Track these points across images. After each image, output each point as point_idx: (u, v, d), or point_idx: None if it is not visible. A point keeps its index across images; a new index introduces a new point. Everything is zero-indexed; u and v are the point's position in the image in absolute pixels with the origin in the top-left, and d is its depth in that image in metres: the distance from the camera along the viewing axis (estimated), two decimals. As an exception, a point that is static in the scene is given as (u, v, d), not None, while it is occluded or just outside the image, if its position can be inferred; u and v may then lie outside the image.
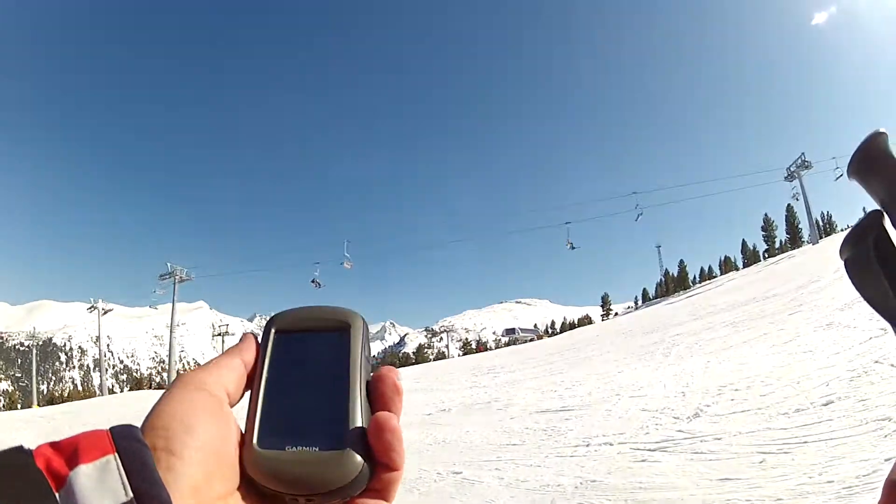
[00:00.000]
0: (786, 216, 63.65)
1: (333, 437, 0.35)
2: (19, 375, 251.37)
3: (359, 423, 0.36)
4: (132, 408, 17.35)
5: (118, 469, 0.29)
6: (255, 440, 0.35)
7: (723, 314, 15.26)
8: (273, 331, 0.40)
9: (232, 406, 0.36)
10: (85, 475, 0.29)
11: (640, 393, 7.52)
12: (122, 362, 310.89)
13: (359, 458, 0.35)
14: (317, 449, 0.35)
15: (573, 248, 40.48)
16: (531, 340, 39.59)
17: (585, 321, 65.25)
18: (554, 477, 4.48)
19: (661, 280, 75.13)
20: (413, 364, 38.35)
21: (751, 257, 71.41)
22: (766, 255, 63.27)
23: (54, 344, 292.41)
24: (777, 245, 66.61)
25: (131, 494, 0.29)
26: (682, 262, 76.22)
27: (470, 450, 6.02)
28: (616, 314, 59.92)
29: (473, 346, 72.42)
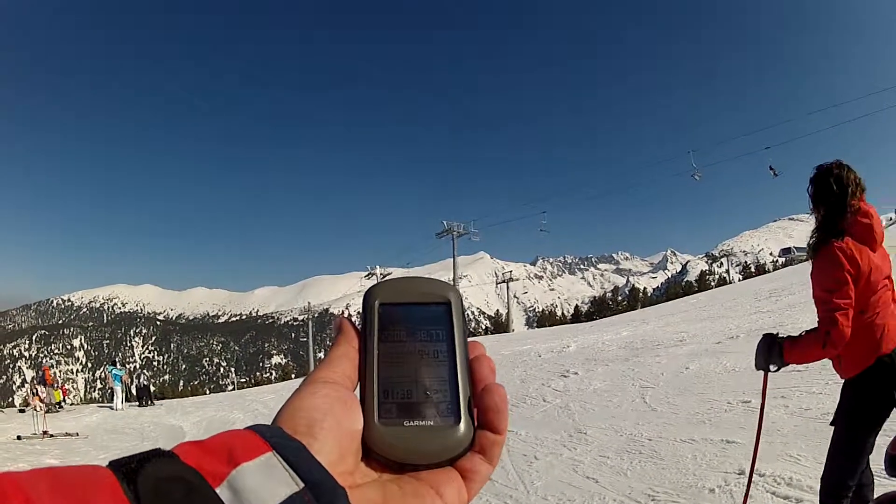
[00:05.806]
0: None
1: (447, 410, 0.38)
2: (293, 348, 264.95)
3: (467, 394, 0.39)
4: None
5: (282, 464, 0.31)
6: (375, 417, 0.38)
7: None
8: (377, 303, 0.41)
9: (353, 390, 0.39)
10: (251, 472, 0.30)
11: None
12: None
13: (469, 428, 0.38)
14: (432, 423, 0.38)
15: None
16: (806, 259, 34.43)
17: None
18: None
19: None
20: (696, 292, 37.48)
21: None
22: None
23: (331, 314, 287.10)
24: None
25: (302, 484, 0.30)
26: None
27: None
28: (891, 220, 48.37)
29: (752, 269, 66.35)
